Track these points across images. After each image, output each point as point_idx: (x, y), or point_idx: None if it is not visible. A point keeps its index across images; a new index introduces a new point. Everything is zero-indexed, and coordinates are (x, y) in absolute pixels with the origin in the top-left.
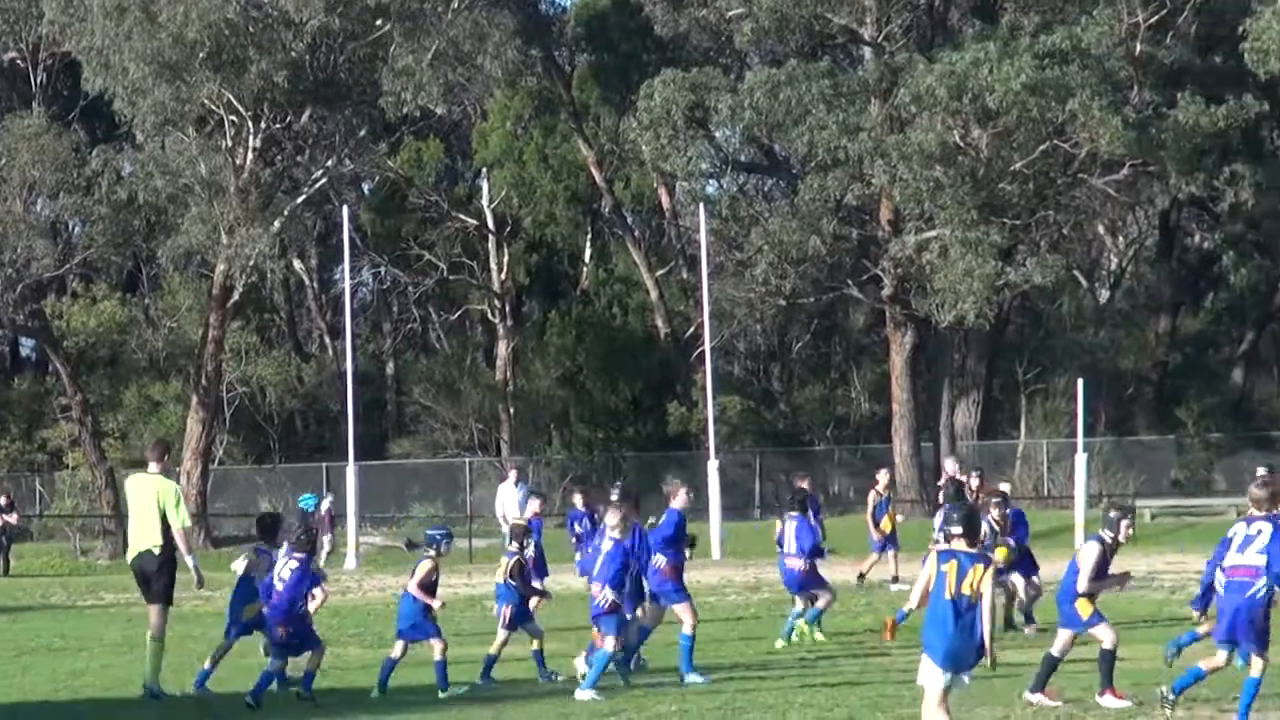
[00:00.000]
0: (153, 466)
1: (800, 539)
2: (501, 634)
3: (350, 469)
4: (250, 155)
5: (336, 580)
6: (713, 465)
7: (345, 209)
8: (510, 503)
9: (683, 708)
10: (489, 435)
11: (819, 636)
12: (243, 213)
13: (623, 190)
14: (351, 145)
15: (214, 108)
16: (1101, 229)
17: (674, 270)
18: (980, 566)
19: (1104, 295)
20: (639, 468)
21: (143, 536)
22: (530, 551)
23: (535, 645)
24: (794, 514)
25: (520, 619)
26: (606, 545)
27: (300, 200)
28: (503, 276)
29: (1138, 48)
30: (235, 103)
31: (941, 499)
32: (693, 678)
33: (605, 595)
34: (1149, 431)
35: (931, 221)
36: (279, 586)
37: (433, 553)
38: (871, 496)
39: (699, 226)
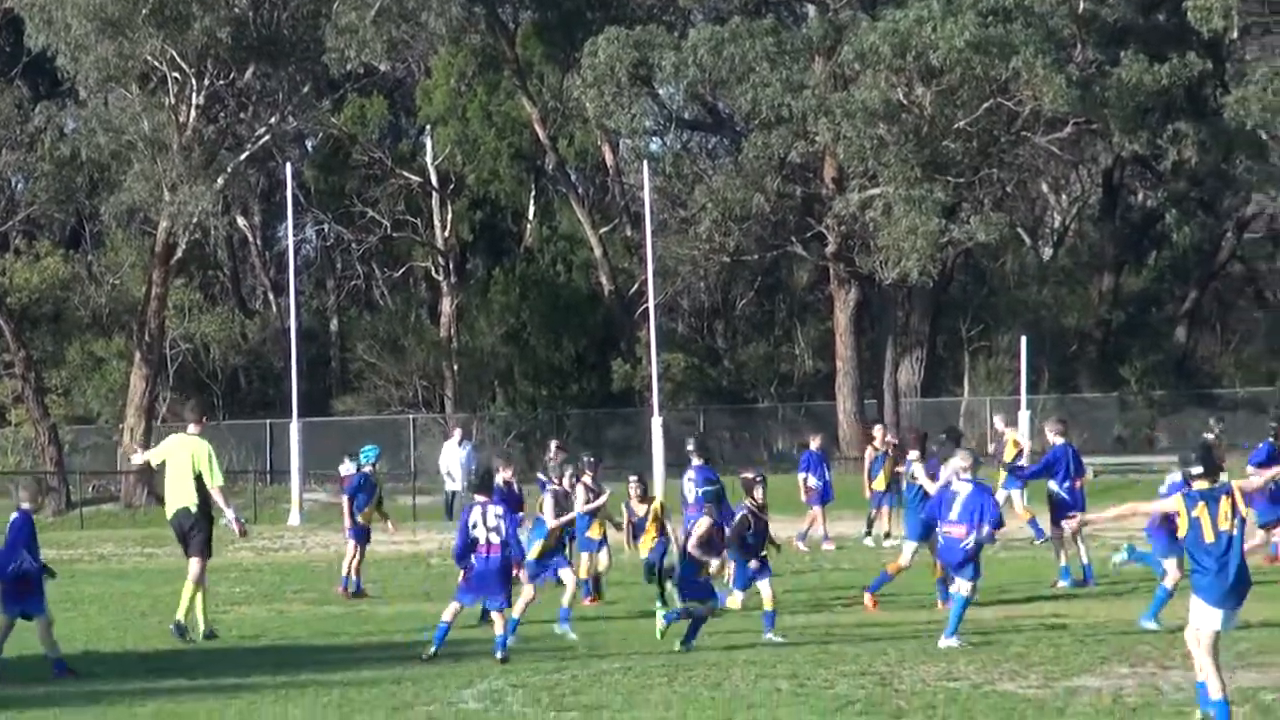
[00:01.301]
0: (191, 428)
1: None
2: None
3: (294, 426)
4: (193, 112)
5: (279, 537)
6: (656, 422)
7: (289, 166)
8: (453, 461)
9: (627, 665)
10: (433, 392)
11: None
12: (186, 169)
13: (566, 147)
14: (295, 102)
15: (157, 64)
16: (1045, 187)
17: (618, 227)
18: (1226, 498)
19: (1047, 253)
20: (583, 425)
21: (179, 495)
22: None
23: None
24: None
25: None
26: (965, 489)
27: (243, 157)
28: (446, 233)
29: (1081, 5)
30: (178, 59)
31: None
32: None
33: (971, 540)
34: (1092, 389)
35: (875, 179)
36: (490, 539)
37: (709, 508)
38: (868, 452)
39: (643, 184)
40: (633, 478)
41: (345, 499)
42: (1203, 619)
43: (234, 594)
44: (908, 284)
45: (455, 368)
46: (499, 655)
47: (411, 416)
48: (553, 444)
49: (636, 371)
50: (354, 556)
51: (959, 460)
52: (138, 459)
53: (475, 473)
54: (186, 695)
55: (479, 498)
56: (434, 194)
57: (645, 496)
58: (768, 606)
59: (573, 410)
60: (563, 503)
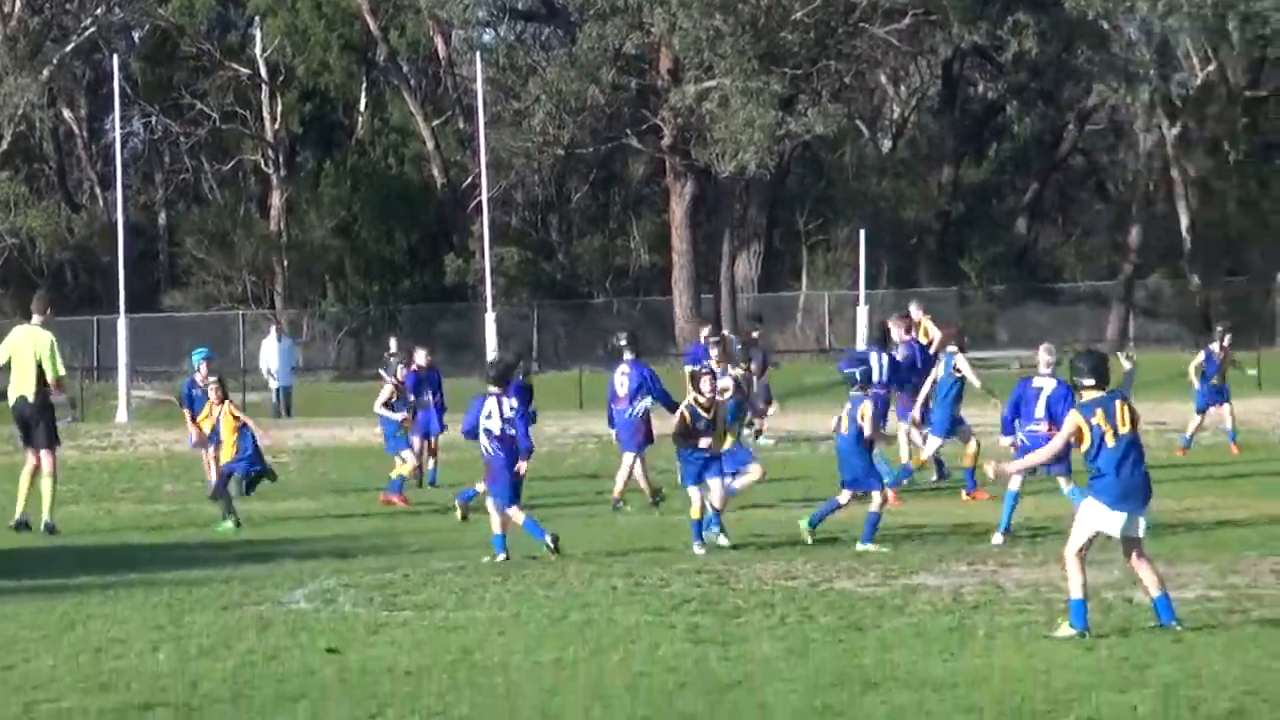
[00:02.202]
0: (35, 319)
1: None
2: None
3: (121, 322)
4: (18, 3)
5: (106, 435)
6: (490, 317)
7: (115, 58)
8: (272, 357)
9: (459, 563)
10: (262, 287)
11: None
12: (10, 61)
13: (398, 39)
14: None
15: None
16: (883, 78)
17: (450, 120)
18: (1120, 403)
19: (886, 145)
20: (415, 320)
21: (20, 384)
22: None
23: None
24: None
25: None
26: (1049, 385)
27: (69, 49)
28: (276, 126)
29: None
30: None
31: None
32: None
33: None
34: (931, 283)
35: (711, 71)
36: (505, 431)
37: (863, 393)
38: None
39: (476, 76)
40: (213, 379)
41: (186, 410)
42: (1100, 522)
43: (61, 493)
44: (745, 176)
45: (285, 263)
46: (500, 556)
47: (241, 312)
48: (392, 340)
49: (469, 266)
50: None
51: (1043, 354)
52: None
53: (295, 369)
54: (11, 596)
55: (493, 389)
56: (263, 86)
57: (223, 398)
58: (715, 505)
59: (405, 305)
60: (740, 384)
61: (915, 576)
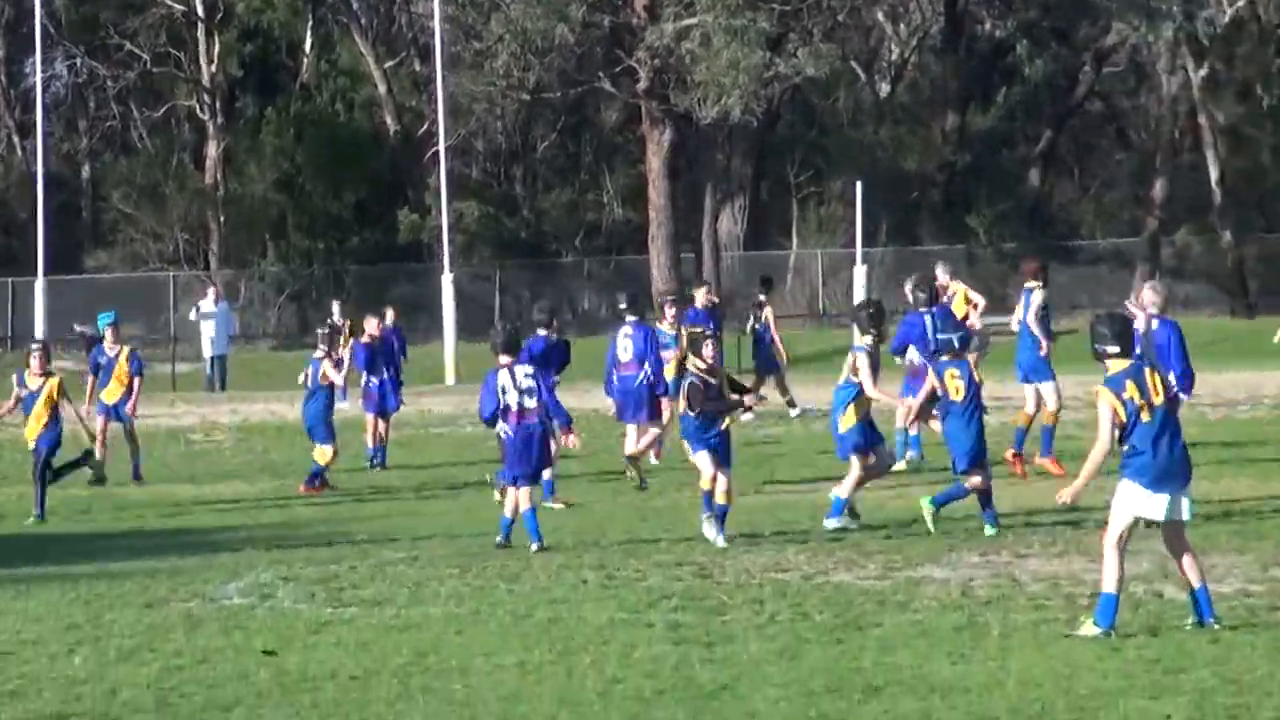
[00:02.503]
0: None
1: None
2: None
3: (39, 284)
4: None
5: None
6: (447, 279)
7: None
8: (208, 321)
9: (412, 554)
10: (196, 247)
11: None
12: None
13: None
14: None
15: None
16: (881, 15)
17: (405, 62)
18: (1150, 370)
19: (884, 89)
20: (363, 281)
21: None
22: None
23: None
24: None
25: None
26: (1151, 328)
27: None
28: (213, 69)
29: None
30: None
31: None
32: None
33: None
34: (935, 241)
35: (692, 7)
36: (523, 404)
37: (963, 358)
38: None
39: (432, 13)
40: (35, 345)
41: (90, 378)
42: (1140, 507)
43: None
44: (729, 123)
45: (222, 219)
46: (500, 540)
47: (172, 274)
48: (335, 306)
49: (425, 222)
50: (103, 432)
51: (1149, 295)
52: None
53: (231, 336)
54: None
55: (503, 359)
56: (199, 25)
57: (45, 370)
58: (720, 500)
59: (353, 266)
60: (876, 355)
61: (920, 568)
